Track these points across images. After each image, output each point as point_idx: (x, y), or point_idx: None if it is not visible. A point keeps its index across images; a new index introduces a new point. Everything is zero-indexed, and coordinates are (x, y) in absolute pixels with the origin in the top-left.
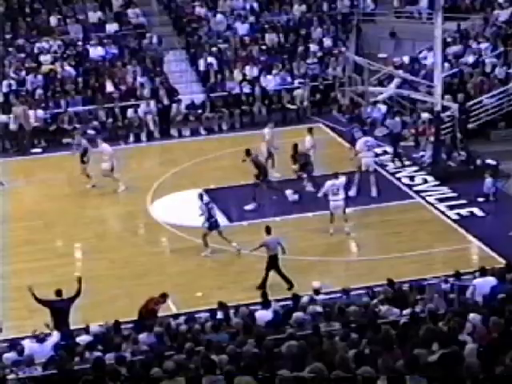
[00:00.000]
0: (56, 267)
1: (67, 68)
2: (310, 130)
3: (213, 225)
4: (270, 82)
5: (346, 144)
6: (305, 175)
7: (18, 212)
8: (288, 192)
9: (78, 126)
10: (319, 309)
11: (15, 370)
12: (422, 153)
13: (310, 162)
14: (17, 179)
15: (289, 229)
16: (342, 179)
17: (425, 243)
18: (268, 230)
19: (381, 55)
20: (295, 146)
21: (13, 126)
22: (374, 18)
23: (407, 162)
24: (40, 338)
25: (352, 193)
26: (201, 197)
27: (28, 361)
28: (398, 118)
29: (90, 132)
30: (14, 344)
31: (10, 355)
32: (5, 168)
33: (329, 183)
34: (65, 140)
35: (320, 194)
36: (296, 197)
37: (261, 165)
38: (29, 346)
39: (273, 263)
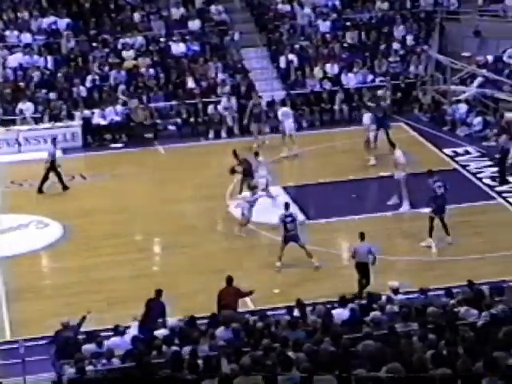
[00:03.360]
0: (137, 261)
1: (150, 70)
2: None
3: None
4: (351, 79)
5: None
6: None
7: (101, 206)
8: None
9: (158, 121)
10: (396, 308)
11: (94, 362)
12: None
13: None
14: (99, 173)
15: (368, 228)
16: None
17: (506, 245)
18: (361, 236)
19: (464, 54)
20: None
21: (96, 121)
22: (457, 16)
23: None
24: (120, 331)
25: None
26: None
27: (108, 353)
28: (480, 118)
29: (171, 128)
30: (94, 336)
31: (90, 347)
32: (87, 162)
33: None
34: (145, 135)
35: None
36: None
37: None
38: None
39: (360, 271)
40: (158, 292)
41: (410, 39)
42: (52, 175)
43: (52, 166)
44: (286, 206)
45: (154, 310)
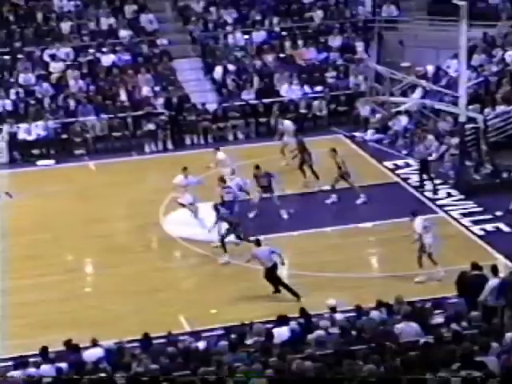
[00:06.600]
0: (64, 283)
1: (79, 81)
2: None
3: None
4: (288, 91)
5: None
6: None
7: (26, 225)
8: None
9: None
10: (336, 330)
11: None
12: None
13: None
14: (25, 191)
15: (306, 244)
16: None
17: (448, 259)
18: (258, 243)
19: (403, 64)
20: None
21: (22, 136)
22: (396, 25)
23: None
24: (51, 359)
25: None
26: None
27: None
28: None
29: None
30: (20, 362)
31: (16, 373)
32: (13, 179)
33: None
34: (76, 151)
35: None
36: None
37: None
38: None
39: (270, 275)
40: None
41: (348, 49)
42: None
43: None
44: (215, 206)
45: None
